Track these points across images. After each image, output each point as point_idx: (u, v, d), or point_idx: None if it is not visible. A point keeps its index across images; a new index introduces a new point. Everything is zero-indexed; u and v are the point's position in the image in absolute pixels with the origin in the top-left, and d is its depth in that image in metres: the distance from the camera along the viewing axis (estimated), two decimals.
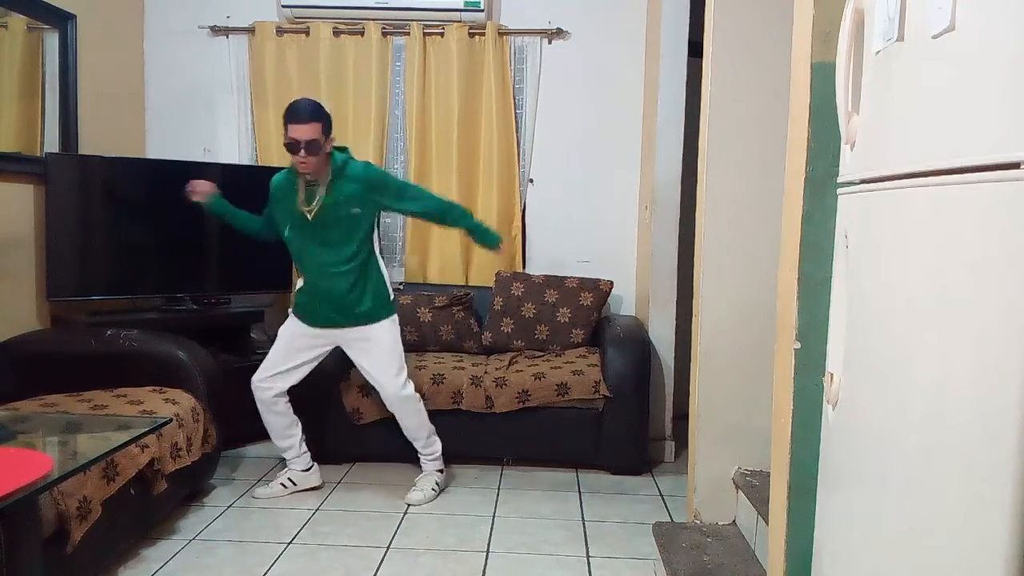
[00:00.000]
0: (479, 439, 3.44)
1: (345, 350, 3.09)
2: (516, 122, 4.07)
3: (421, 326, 3.79)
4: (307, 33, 4.00)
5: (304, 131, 2.80)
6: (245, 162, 4.07)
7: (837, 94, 1.30)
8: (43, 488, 1.60)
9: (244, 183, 3.88)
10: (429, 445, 3.17)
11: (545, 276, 3.89)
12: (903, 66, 1.09)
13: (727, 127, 2.51)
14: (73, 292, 3.39)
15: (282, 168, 3.08)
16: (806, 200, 1.59)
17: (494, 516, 2.96)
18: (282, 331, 3.09)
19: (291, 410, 3.12)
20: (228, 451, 3.45)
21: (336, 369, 3.28)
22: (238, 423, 3.43)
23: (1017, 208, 0.81)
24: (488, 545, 2.70)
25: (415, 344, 3.77)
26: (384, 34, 4.01)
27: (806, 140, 1.59)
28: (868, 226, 1.21)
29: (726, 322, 2.55)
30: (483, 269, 4.08)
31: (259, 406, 3.07)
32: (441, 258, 4.11)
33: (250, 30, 4.03)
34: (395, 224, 4.15)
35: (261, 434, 3.61)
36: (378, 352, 3.03)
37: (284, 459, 3.19)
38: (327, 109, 2.92)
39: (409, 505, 3.03)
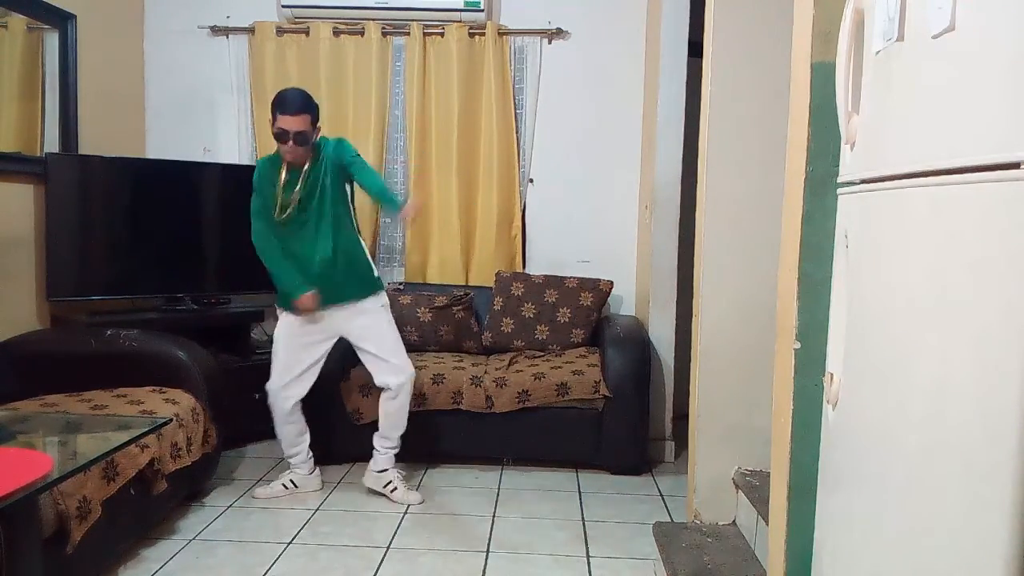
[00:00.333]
0: (479, 439, 3.44)
1: (347, 337, 3.07)
2: (516, 122, 4.07)
3: (421, 326, 3.79)
4: (307, 33, 4.00)
5: (293, 122, 2.83)
6: (245, 162, 4.06)
7: (837, 94, 1.30)
8: (43, 488, 1.60)
9: (244, 183, 3.89)
10: (400, 437, 3.12)
11: (545, 276, 3.89)
12: (903, 66, 1.09)
13: (727, 127, 2.50)
14: (73, 292, 3.39)
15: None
16: (806, 200, 1.59)
17: (494, 516, 2.96)
18: (277, 335, 3.06)
19: (303, 419, 3.13)
20: (228, 451, 3.45)
21: (336, 369, 3.28)
22: (238, 423, 3.43)
23: (1017, 208, 0.81)
24: (488, 545, 2.70)
25: (415, 344, 3.76)
26: (384, 34, 4.01)
27: (806, 140, 1.59)
28: (868, 226, 1.21)
29: (726, 322, 2.55)
30: (483, 269, 4.08)
31: (275, 416, 3.07)
32: (441, 258, 4.11)
33: (250, 30, 4.03)
34: (395, 224, 4.15)
35: (261, 434, 3.63)
36: (379, 331, 3.02)
37: (288, 461, 3.19)
38: (316, 101, 2.93)
39: (408, 506, 3.03)
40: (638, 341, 3.48)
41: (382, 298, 3.07)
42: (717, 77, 2.50)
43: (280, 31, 4.00)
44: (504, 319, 3.81)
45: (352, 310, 3.01)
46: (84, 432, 2.09)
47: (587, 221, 4.11)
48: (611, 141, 4.09)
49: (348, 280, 2.99)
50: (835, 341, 1.34)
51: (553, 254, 4.14)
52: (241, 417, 3.47)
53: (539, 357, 3.67)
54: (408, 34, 3.99)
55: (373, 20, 3.97)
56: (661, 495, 3.23)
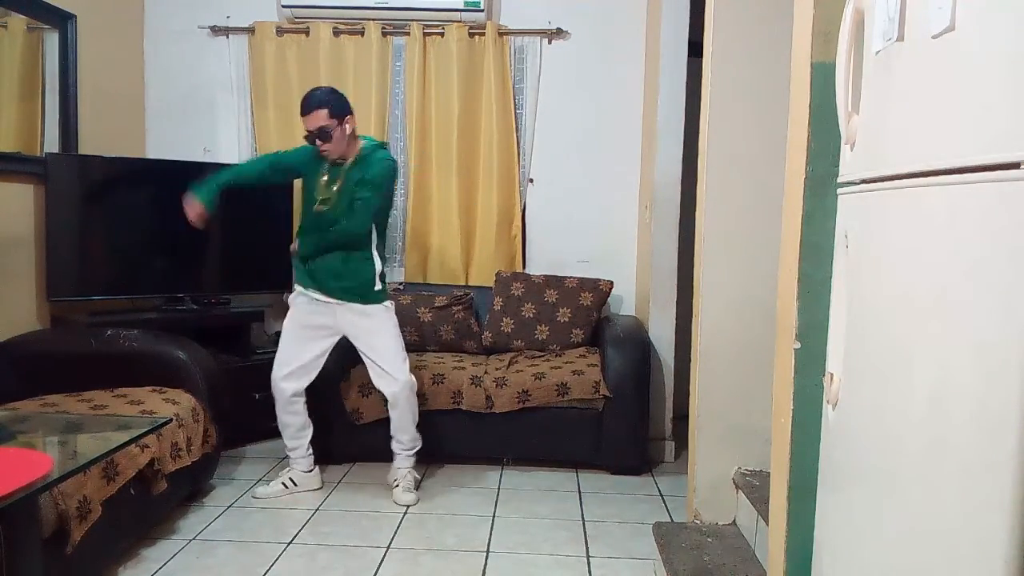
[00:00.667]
0: (479, 439, 3.44)
1: (349, 337, 3.08)
2: (516, 122, 4.07)
3: (421, 326, 3.79)
4: (307, 33, 4.00)
5: (309, 121, 2.88)
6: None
7: (837, 94, 1.30)
8: (43, 488, 1.60)
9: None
10: (416, 439, 3.16)
11: (545, 276, 3.89)
12: (903, 66, 1.09)
13: (727, 127, 2.50)
14: (73, 292, 3.39)
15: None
16: (806, 200, 1.59)
17: (494, 516, 2.96)
18: (286, 323, 3.12)
19: (306, 411, 3.14)
20: (228, 451, 3.45)
21: (336, 369, 3.28)
22: (238, 423, 3.43)
23: (1017, 208, 0.81)
24: (488, 545, 2.70)
25: (415, 344, 3.76)
26: (384, 34, 4.01)
27: (806, 140, 1.59)
28: (868, 226, 1.21)
29: (726, 322, 2.55)
30: (483, 269, 4.08)
31: (277, 405, 3.10)
32: (441, 258, 4.11)
33: (250, 30, 4.03)
34: (395, 224, 4.15)
35: (261, 434, 3.64)
36: (384, 339, 3.04)
37: (287, 458, 3.20)
38: (343, 94, 2.98)
39: (408, 506, 3.03)
40: (638, 341, 3.48)
41: (387, 307, 3.08)
42: (717, 77, 2.50)
43: (280, 31, 4.00)
44: (504, 319, 3.81)
45: (356, 311, 3.02)
46: (84, 432, 2.09)
47: (587, 221, 4.11)
48: (611, 141, 4.09)
49: (340, 281, 3.00)
50: (835, 341, 1.34)
51: (553, 254, 4.14)
52: (241, 417, 3.48)
53: (539, 357, 3.67)
54: (408, 34, 3.99)
55: (373, 20, 3.97)
56: (661, 495, 3.23)
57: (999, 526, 0.83)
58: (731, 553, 2.32)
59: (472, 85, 4.02)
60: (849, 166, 1.31)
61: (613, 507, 3.08)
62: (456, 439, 3.44)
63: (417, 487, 3.17)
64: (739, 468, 2.57)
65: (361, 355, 3.11)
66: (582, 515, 2.99)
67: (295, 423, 3.13)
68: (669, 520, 2.86)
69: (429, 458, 3.39)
